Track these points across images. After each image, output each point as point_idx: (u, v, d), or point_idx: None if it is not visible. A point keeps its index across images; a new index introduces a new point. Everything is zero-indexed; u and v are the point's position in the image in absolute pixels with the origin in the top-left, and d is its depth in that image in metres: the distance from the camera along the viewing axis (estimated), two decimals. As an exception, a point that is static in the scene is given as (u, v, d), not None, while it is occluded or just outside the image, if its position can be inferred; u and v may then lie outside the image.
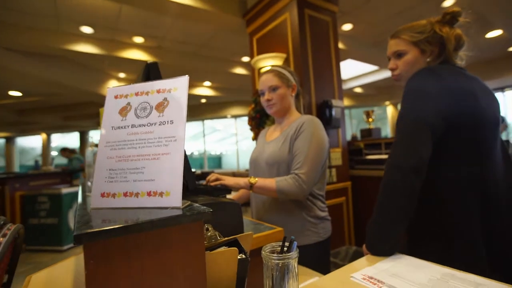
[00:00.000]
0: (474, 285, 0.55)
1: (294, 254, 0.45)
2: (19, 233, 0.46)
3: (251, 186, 1.04)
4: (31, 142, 12.26)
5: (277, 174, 1.11)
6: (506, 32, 4.31)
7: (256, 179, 1.05)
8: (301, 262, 0.92)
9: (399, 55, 0.93)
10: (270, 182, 1.03)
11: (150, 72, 0.69)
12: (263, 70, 2.60)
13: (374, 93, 8.33)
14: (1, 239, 0.41)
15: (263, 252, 0.46)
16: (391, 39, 0.96)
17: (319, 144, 1.07)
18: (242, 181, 1.05)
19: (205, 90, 7.08)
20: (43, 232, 3.72)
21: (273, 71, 1.20)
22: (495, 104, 0.86)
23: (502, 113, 0.94)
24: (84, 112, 8.20)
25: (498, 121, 0.84)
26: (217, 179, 1.04)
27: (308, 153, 1.04)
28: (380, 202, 0.77)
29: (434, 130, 0.75)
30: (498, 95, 6.84)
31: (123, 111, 0.55)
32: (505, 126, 5.51)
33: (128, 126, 0.53)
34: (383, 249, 0.75)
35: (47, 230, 3.73)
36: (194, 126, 9.62)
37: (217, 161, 11.32)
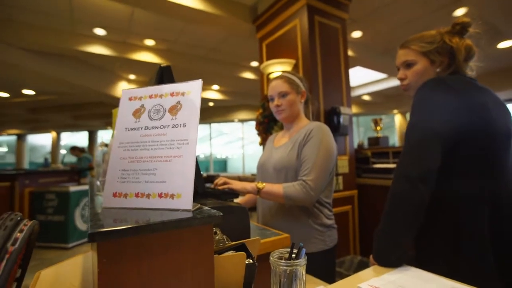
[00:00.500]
0: (485, 300, 0.54)
1: (303, 261, 0.45)
2: (33, 229, 0.47)
3: (258, 191, 1.04)
4: (41, 140, 12.51)
5: (284, 180, 1.11)
6: (519, 43, 4.25)
7: (264, 184, 1.05)
8: (306, 270, 0.91)
9: (408, 65, 0.92)
10: (277, 188, 1.03)
11: (163, 75, 0.70)
12: (272, 75, 2.62)
13: (382, 101, 8.28)
14: (18, 234, 0.42)
15: (271, 258, 0.46)
16: (400, 49, 0.95)
17: (327, 151, 1.07)
18: (249, 185, 1.05)
19: (213, 93, 7.14)
20: (50, 229, 3.77)
21: (283, 77, 1.20)
22: (507, 115, 0.85)
23: None
24: (94, 112, 8.34)
25: (510, 133, 0.83)
26: (225, 183, 1.05)
27: (316, 160, 1.04)
28: (388, 211, 0.76)
29: (443, 140, 0.75)
30: (510, 106, 6.71)
31: (137, 113, 0.56)
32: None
33: (141, 128, 0.54)
34: (390, 259, 0.74)
35: (54, 227, 3.78)
36: (201, 129, 9.69)
37: (223, 164, 11.34)
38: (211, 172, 9.37)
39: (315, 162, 1.03)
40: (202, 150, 10.16)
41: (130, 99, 0.58)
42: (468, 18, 0.87)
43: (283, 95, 1.17)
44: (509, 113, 0.86)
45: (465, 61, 0.87)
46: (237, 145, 10.12)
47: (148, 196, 0.48)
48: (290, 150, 1.12)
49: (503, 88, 5.94)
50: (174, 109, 0.53)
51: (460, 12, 3.33)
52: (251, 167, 8.94)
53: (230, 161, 11.29)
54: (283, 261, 0.45)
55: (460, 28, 0.87)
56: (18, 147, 11.65)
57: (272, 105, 1.21)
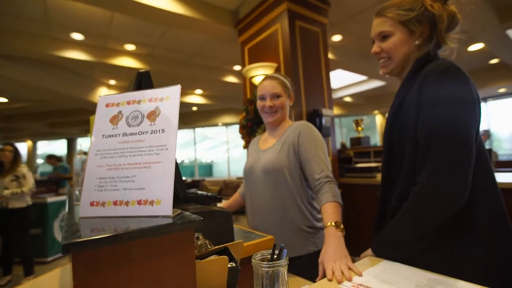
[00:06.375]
0: (459, 291, 0.56)
1: (284, 262, 0.45)
2: None
3: (338, 227, 0.89)
4: (16, 150, 11.91)
5: (274, 181, 1.11)
6: (488, 45, 4.51)
7: (330, 221, 0.90)
8: (297, 272, 0.92)
9: (384, 36, 0.81)
10: (335, 206, 0.94)
11: (142, 81, 0.70)
12: (254, 79, 2.63)
13: (363, 102, 8.51)
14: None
15: (253, 260, 0.46)
16: (376, 17, 0.83)
17: (323, 144, 1.13)
18: (335, 237, 0.86)
19: (196, 98, 7.08)
20: (26, 242, 3.58)
21: (277, 78, 1.18)
22: None
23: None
24: (73, 119, 8.05)
25: None
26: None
27: (321, 156, 1.09)
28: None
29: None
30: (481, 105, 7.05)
31: (114, 120, 0.55)
32: (488, 135, 5.71)
33: (119, 135, 0.53)
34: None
35: (31, 241, 3.59)
36: (185, 134, 9.57)
37: (208, 169, 11.22)
38: (197, 177, 9.26)
39: (322, 158, 1.08)
40: (187, 155, 10.03)
41: (107, 105, 0.57)
42: None
43: (277, 96, 1.16)
44: None
45: (447, 31, 0.77)
46: (222, 149, 10.06)
47: (127, 203, 0.47)
48: (279, 151, 1.12)
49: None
50: (152, 115, 0.53)
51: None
52: (236, 171, 8.92)
53: (216, 165, 11.19)
54: (264, 262, 0.45)
55: None
56: (-9, 158, 11.04)
57: (262, 104, 1.17)
